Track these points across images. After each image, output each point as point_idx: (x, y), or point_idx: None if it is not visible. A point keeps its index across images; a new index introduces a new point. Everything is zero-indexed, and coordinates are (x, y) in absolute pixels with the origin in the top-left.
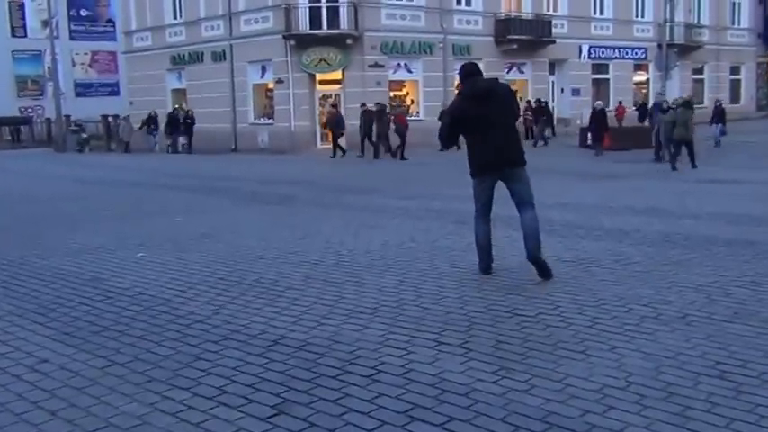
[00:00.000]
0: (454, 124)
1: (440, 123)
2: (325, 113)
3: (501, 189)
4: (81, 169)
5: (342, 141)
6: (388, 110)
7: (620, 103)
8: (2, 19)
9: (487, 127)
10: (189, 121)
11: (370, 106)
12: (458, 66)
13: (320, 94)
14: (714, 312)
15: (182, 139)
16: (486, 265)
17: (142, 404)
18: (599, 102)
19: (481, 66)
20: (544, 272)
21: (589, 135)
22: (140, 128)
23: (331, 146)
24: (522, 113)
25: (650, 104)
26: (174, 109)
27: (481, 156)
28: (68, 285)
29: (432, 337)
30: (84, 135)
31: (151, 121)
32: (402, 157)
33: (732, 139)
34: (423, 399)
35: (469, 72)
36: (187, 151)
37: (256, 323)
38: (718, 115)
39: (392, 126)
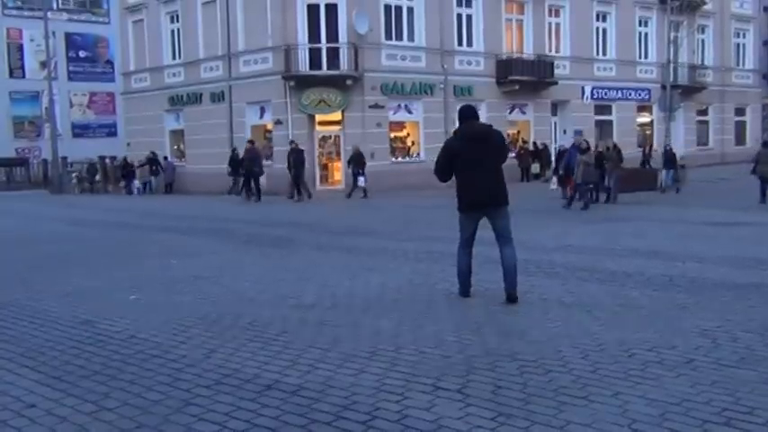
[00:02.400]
0: (449, 160)
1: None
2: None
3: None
4: (76, 211)
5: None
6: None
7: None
8: (0, 60)
9: (478, 168)
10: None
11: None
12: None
13: (320, 135)
14: (720, 357)
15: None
16: (465, 290)
17: None
18: (562, 144)
19: (483, 107)
20: (512, 300)
21: (554, 178)
22: (140, 166)
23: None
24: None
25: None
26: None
27: (470, 194)
28: (59, 328)
29: (429, 381)
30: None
31: (153, 163)
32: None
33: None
34: None
35: (467, 114)
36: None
37: (249, 367)
38: (669, 161)
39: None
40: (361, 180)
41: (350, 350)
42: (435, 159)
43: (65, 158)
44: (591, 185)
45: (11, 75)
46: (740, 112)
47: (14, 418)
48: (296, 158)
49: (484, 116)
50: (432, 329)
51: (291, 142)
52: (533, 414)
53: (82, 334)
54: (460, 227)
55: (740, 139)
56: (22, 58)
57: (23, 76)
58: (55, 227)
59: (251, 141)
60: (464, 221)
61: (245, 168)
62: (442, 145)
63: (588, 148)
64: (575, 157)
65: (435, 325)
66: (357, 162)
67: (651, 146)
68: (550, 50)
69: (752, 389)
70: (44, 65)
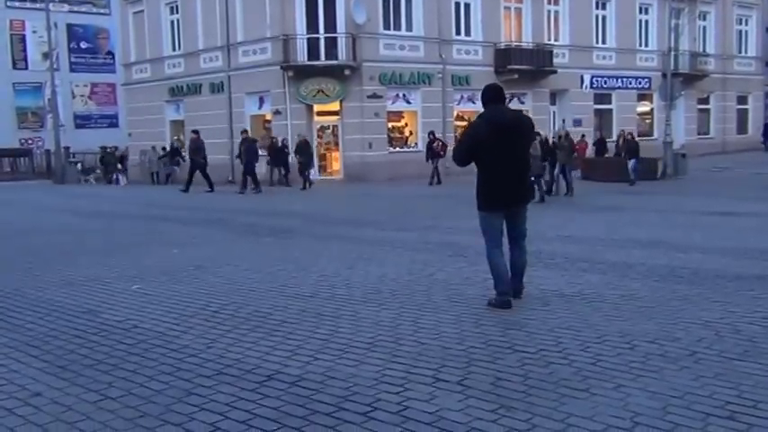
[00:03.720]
0: (472, 148)
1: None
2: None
3: None
4: (79, 201)
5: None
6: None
7: (583, 136)
8: (3, 51)
9: (506, 161)
10: (286, 150)
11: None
12: (457, 96)
13: (318, 126)
14: (723, 350)
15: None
16: (507, 300)
17: None
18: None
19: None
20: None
21: None
22: (160, 158)
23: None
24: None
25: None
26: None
27: (495, 191)
28: (63, 318)
29: (429, 373)
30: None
31: (175, 153)
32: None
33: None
34: None
35: (495, 96)
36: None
37: (250, 357)
38: (632, 150)
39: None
40: (312, 173)
41: (350, 341)
42: (457, 143)
43: (67, 149)
44: (536, 178)
45: (14, 66)
46: (742, 100)
47: (20, 407)
48: (247, 149)
49: (481, 106)
50: (431, 321)
51: (243, 132)
52: (534, 406)
53: (86, 323)
54: (485, 228)
55: (742, 127)
56: (24, 50)
57: (26, 68)
58: (58, 217)
59: (195, 131)
60: (489, 221)
61: (190, 159)
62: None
63: (534, 139)
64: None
65: (435, 316)
66: (303, 152)
67: (631, 135)
68: (549, 39)
69: (756, 382)
70: (46, 56)
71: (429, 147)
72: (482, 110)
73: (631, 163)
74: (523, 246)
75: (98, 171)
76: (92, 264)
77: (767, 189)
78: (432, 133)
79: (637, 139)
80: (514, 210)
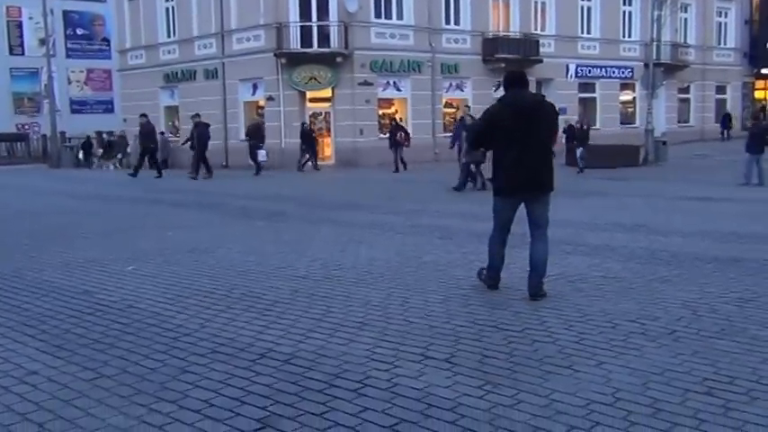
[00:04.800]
0: (488, 132)
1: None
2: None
3: None
4: (75, 185)
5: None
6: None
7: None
8: (0, 37)
9: (525, 145)
10: (313, 134)
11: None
12: (446, 84)
13: (310, 112)
14: (701, 328)
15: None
16: (495, 283)
17: (129, 417)
18: None
19: (468, 84)
20: (537, 295)
21: None
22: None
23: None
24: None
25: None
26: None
27: (514, 175)
28: (59, 298)
29: (418, 351)
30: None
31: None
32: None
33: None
34: (409, 413)
35: (516, 80)
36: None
37: (243, 336)
38: (580, 138)
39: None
40: (261, 155)
41: (341, 320)
42: (470, 138)
43: (63, 134)
44: (476, 165)
45: (11, 52)
46: (721, 90)
47: (17, 385)
48: (200, 133)
49: (470, 93)
50: (420, 301)
51: (195, 116)
52: (519, 383)
53: (81, 304)
54: (496, 213)
55: (721, 116)
56: (21, 36)
57: (23, 54)
58: (54, 200)
59: (144, 115)
60: (501, 207)
61: (140, 144)
62: (406, 123)
63: (557, 125)
64: (461, 134)
65: (423, 296)
66: (255, 136)
67: (580, 124)
68: (536, 29)
69: (732, 359)
70: (43, 42)
71: (391, 135)
72: (469, 98)
73: (579, 151)
74: (545, 237)
75: (118, 156)
76: (88, 246)
77: (741, 175)
78: (394, 120)
79: (586, 128)
80: (534, 197)
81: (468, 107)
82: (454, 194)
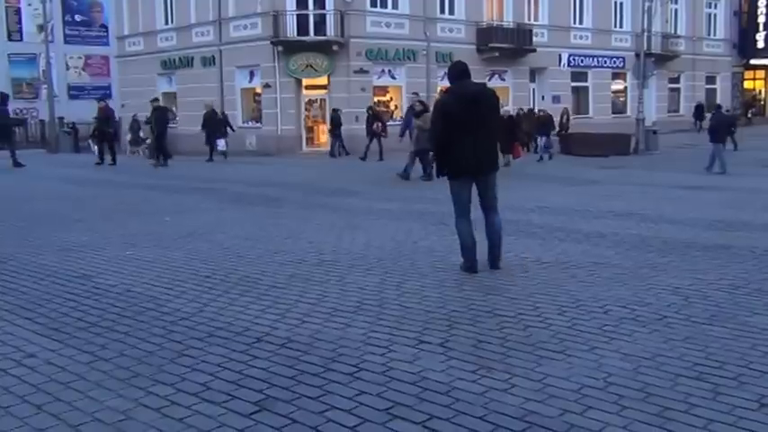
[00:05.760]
0: (446, 124)
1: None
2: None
3: None
4: (72, 170)
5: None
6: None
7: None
8: None
9: (472, 131)
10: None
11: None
12: (441, 72)
13: (306, 99)
14: (692, 315)
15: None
16: (471, 264)
17: (127, 399)
18: (506, 108)
19: None
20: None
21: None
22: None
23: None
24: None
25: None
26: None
27: (462, 159)
28: (57, 282)
29: (413, 335)
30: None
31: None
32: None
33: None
34: (403, 397)
35: (460, 72)
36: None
37: (240, 321)
38: (543, 125)
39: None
40: (220, 143)
41: (337, 305)
42: (431, 126)
43: (61, 119)
44: (423, 153)
45: (9, 37)
46: (711, 80)
47: (15, 367)
48: (158, 117)
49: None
50: (415, 286)
51: (154, 100)
52: (513, 367)
53: (79, 287)
54: (454, 195)
55: (710, 106)
56: (19, 22)
57: (21, 39)
58: (53, 185)
59: (102, 100)
60: (457, 188)
61: (97, 129)
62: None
63: (424, 111)
64: (411, 121)
65: (418, 281)
66: (212, 123)
67: (568, 116)
68: (529, 19)
69: (722, 345)
70: (41, 28)
71: (368, 124)
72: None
73: (543, 140)
74: (497, 215)
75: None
76: (85, 230)
77: (731, 165)
78: (370, 109)
79: (549, 114)
80: (482, 178)
81: (417, 93)
82: (404, 182)
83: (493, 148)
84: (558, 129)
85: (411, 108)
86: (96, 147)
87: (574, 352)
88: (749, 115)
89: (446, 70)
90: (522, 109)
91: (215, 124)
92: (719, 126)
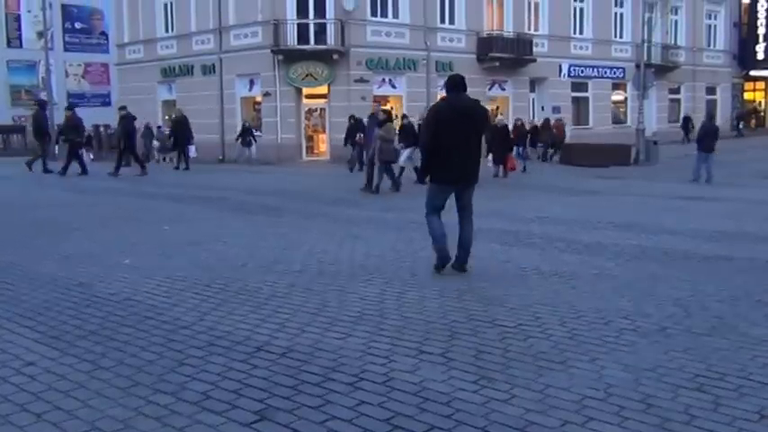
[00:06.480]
0: (437, 130)
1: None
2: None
3: None
4: (71, 177)
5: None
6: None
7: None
8: None
9: (459, 143)
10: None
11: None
12: (441, 82)
13: (306, 108)
14: (692, 326)
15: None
16: (445, 258)
17: (127, 408)
18: (500, 117)
19: None
20: (462, 268)
21: (490, 156)
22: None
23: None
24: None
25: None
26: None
27: (447, 168)
28: (56, 290)
29: (413, 346)
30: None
31: (248, 133)
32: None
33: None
34: (404, 407)
35: (456, 84)
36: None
37: (240, 330)
38: (522, 136)
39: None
40: (191, 150)
41: (337, 315)
42: (423, 137)
43: (60, 126)
44: (387, 164)
45: (8, 44)
46: (711, 91)
47: (14, 376)
48: (125, 127)
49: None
50: (415, 296)
51: (122, 108)
52: (514, 378)
53: (79, 296)
54: (431, 195)
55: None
56: (19, 29)
57: (21, 46)
58: (51, 192)
59: (69, 108)
60: (437, 192)
61: (65, 138)
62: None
63: (387, 120)
64: (372, 131)
65: (419, 292)
66: (180, 128)
67: (556, 127)
68: (529, 29)
69: (722, 356)
70: (41, 35)
71: (348, 133)
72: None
73: (520, 150)
74: (471, 221)
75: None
76: (85, 238)
77: (731, 176)
78: (352, 117)
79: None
80: (463, 186)
81: (379, 103)
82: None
83: (476, 162)
84: (550, 140)
85: (373, 117)
86: (68, 157)
87: (574, 363)
88: (740, 127)
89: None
90: (519, 119)
91: (184, 131)
92: (706, 135)
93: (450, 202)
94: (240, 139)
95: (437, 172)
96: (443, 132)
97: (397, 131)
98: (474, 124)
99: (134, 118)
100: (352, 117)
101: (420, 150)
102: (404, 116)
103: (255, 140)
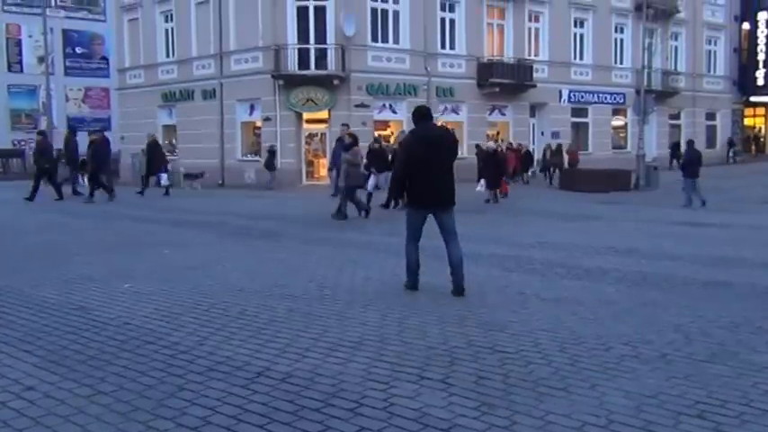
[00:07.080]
0: (410, 163)
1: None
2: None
3: None
4: (70, 202)
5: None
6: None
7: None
8: None
9: (433, 169)
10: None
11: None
12: (441, 107)
13: (306, 133)
14: (693, 352)
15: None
16: (414, 283)
17: None
18: (490, 143)
19: (464, 108)
20: (460, 292)
21: (482, 181)
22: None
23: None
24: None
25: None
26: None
27: (422, 193)
28: (55, 314)
29: (414, 371)
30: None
31: (272, 156)
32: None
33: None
34: None
35: (423, 115)
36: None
37: (240, 355)
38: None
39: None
40: (163, 178)
41: (337, 340)
42: (396, 166)
43: (60, 150)
44: (351, 190)
45: (9, 69)
46: (711, 116)
47: (13, 400)
48: (94, 150)
49: (465, 117)
50: (416, 321)
51: (95, 131)
52: (514, 404)
53: (78, 320)
54: (408, 221)
55: (711, 142)
56: (20, 53)
57: (21, 71)
58: (49, 217)
59: (40, 133)
60: (413, 216)
61: (34, 163)
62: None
63: (353, 144)
64: (339, 155)
65: (419, 317)
66: (154, 154)
67: (552, 151)
68: (530, 54)
69: (724, 383)
70: (42, 60)
71: (334, 157)
72: (464, 121)
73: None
74: (456, 241)
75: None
76: (84, 262)
77: (731, 201)
78: (339, 140)
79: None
80: (440, 211)
81: (347, 126)
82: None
83: (451, 185)
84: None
85: (340, 140)
86: (34, 182)
87: (575, 389)
88: (731, 154)
89: (447, 105)
90: (511, 143)
91: (156, 156)
92: (690, 162)
93: (436, 229)
94: (266, 164)
95: (414, 198)
96: (415, 162)
97: (363, 156)
98: (443, 151)
99: (108, 142)
100: (339, 140)
101: (391, 179)
102: (375, 139)
103: (276, 167)
